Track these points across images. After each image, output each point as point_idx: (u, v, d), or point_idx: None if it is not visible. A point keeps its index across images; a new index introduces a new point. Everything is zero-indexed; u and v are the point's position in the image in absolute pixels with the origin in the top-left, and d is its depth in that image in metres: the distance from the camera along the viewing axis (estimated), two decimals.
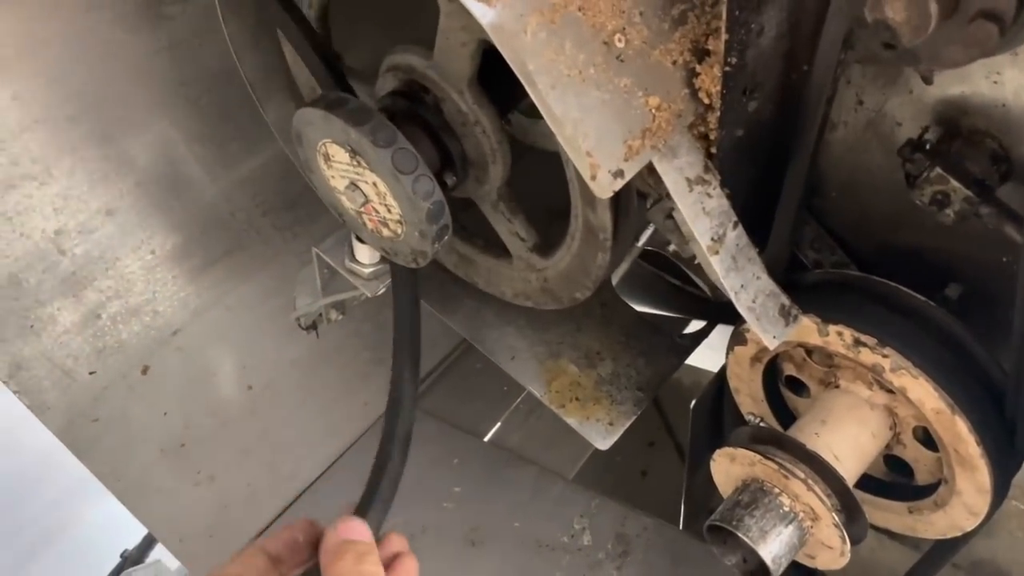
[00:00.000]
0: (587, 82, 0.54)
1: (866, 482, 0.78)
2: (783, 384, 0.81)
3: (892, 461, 0.77)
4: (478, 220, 0.78)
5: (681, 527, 1.03)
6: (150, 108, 0.95)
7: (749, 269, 0.60)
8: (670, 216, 0.67)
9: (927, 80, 0.63)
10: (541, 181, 0.75)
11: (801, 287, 0.74)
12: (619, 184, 0.55)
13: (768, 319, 0.60)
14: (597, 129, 0.54)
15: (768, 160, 0.67)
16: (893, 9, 0.45)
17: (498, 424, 1.13)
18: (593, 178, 0.54)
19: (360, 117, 0.62)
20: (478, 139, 0.67)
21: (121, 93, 0.93)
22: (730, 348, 0.79)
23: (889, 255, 0.75)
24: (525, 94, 0.71)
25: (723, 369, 0.85)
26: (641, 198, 0.69)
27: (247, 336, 1.08)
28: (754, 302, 0.60)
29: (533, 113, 0.77)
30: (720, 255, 0.59)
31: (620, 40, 0.55)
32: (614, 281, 0.91)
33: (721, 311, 0.90)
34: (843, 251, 0.77)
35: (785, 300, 0.61)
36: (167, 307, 1.02)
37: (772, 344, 0.60)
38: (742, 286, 0.59)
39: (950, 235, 0.68)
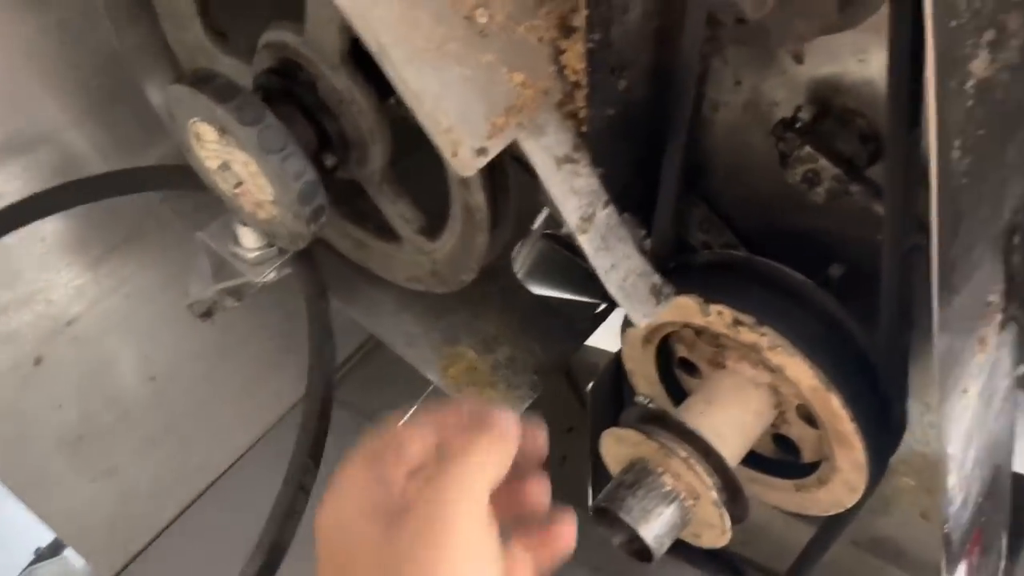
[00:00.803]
0: (447, 57, 0.53)
1: (756, 461, 0.79)
2: (676, 365, 0.82)
3: (780, 440, 0.78)
4: (371, 204, 0.77)
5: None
6: (38, 90, 0.92)
7: (620, 249, 0.60)
8: None
9: (798, 59, 0.63)
10: (431, 161, 0.74)
11: (689, 269, 0.74)
12: (481, 162, 0.54)
13: (638, 298, 0.60)
14: (458, 105, 0.53)
15: (649, 140, 0.67)
16: None
17: (411, 412, 1.11)
18: (454, 155, 0.53)
19: (226, 94, 0.60)
20: (355, 118, 0.66)
21: (6, 74, 0.90)
22: (623, 329, 0.79)
23: (775, 236, 0.76)
24: None
25: (620, 351, 0.85)
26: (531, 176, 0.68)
27: (148, 325, 1.06)
28: (624, 281, 0.60)
29: None
30: (589, 234, 0.58)
31: (482, 15, 0.54)
32: (517, 268, 0.91)
33: None
34: (732, 232, 0.78)
35: (656, 279, 0.61)
36: (61, 296, 0.99)
37: (641, 322, 0.60)
38: (612, 266, 0.59)
39: (828, 215, 0.68)
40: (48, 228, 0.96)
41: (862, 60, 0.60)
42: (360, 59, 0.65)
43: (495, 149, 0.55)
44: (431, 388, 1.18)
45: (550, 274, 1.11)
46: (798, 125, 0.63)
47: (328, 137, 0.67)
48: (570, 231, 0.59)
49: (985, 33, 0.44)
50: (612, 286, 0.59)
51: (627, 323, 0.79)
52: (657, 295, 0.61)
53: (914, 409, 0.73)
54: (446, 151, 0.53)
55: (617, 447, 0.71)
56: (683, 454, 0.67)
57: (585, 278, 1.08)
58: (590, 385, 0.90)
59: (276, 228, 0.67)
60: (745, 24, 0.49)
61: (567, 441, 1.37)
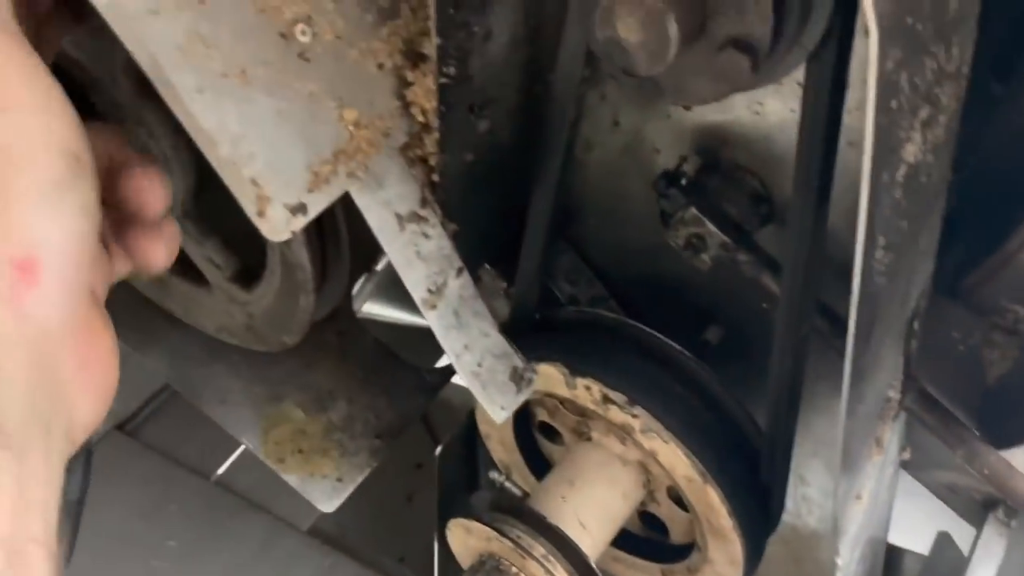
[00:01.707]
0: (254, 86, 0.40)
1: (620, 538, 0.71)
2: (536, 429, 0.72)
3: (647, 516, 0.70)
4: None
5: None
6: None
7: (475, 326, 0.49)
8: None
9: (685, 105, 0.54)
10: None
11: (552, 326, 0.64)
12: (298, 223, 0.42)
13: (496, 386, 0.50)
14: (268, 149, 0.41)
15: (513, 185, 0.56)
16: (626, 28, 0.35)
17: (230, 460, 0.97)
18: (261, 215, 0.41)
19: None
20: (144, 142, 0.52)
21: None
22: None
23: (649, 291, 0.68)
24: None
25: (473, 410, 0.75)
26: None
27: None
28: (479, 366, 0.49)
29: None
30: (438, 309, 0.47)
31: (303, 32, 0.42)
32: (357, 308, 0.78)
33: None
34: (602, 284, 0.69)
35: (518, 361, 0.51)
36: None
37: (500, 417, 0.50)
38: (465, 347, 0.49)
39: (709, 276, 0.61)
40: None
41: (757, 112, 0.52)
42: None
43: (317, 207, 0.43)
44: None
45: (396, 295, 0.99)
46: (683, 181, 0.54)
47: None
48: (415, 304, 0.47)
49: (920, 111, 0.36)
50: (465, 372, 0.49)
51: None
52: (518, 381, 0.51)
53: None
54: (250, 209, 0.41)
55: (467, 538, 0.61)
56: (540, 552, 0.58)
57: None
58: (438, 450, 0.79)
59: None
60: (629, 73, 0.39)
61: (415, 478, 1.26)
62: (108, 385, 0.37)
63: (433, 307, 0.47)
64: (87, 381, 0.35)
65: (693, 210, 0.53)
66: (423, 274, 0.47)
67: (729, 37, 0.35)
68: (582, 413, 0.66)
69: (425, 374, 0.77)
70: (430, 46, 0.45)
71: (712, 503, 0.58)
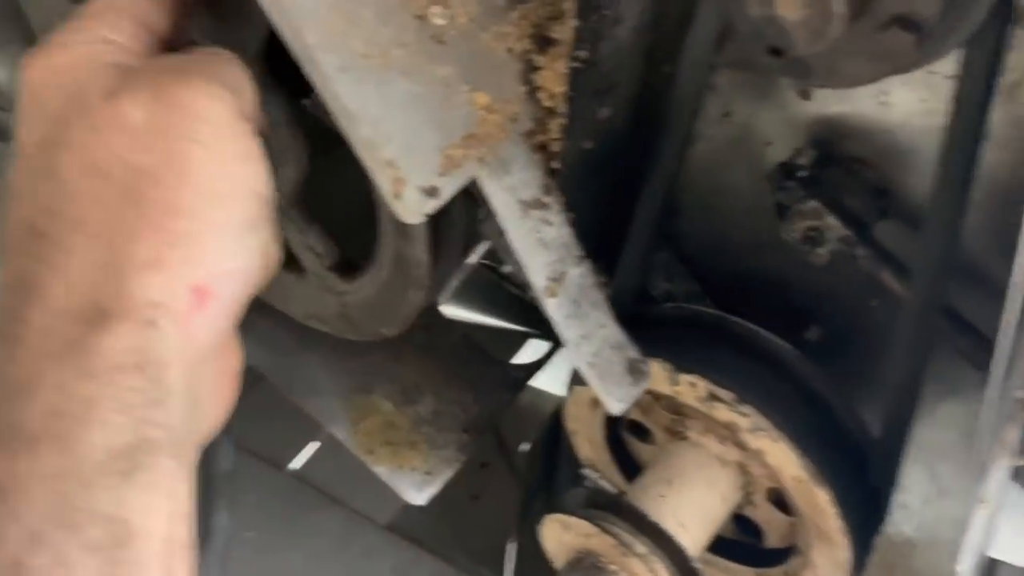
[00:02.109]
0: (392, 68, 0.40)
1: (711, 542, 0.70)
2: (625, 428, 0.71)
3: (741, 519, 0.68)
4: None
5: None
6: None
7: (593, 316, 0.48)
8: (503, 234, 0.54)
9: (804, 95, 0.53)
10: (354, 176, 0.61)
11: (648, 322, 0.63)
12: (432, 206, 0.42)
13: (612, 378, 0.49)
14: (404, 131, 0.41)
15: (620, 175, 0.56)
16: (787, 5, 0.34)
17: (304, 453, 0.97)
18: (397, 196, 0.40)
19: None
20: (263, 130, 0.52)
21: None
22: (569, 387, 0.68)
23: (747, 288, 0.66)
24: None
25: (560, 406, 0.74)
26: (472, 203, 0.56)
27: None
28: (596, 356, 0.48)
29: None
30: (559, 298, 0.47)
31: (439, 16, 0.42)
32: (439, 302, 0.78)
33: None
34: (697, 281, 0.68)
35: (633, 353, 0.50)
36: None
37: (617, 410, 0.49)
38: (583, 337, 0.48)
39: (817, 272, 0.59)
40: None
41: (883, 103, 0.51)
42: (273, 57, 0.51)
43: (449, 190, 0.42)
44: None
45: (473, 297, 0.99)
46: (801, 174, 0.53)
47: None
48: (534, 293, 0.47)
49: None
50: (582, 362, 0.48)
51: (575, 378, 0.68)
52: (634, 373, 0.50)
53: None
54: (387, 190, 0.40)
55: (564, 535, 0.60)
56: (642, 550, 0.57)
57: (510, 304, 0.98)
58: (522, 446, 0.78)
59: None
60: (778, 56, 0.38)
61: (481, 478, 1.26)
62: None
63: (553, 295, 0.47)
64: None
65: (814, 202, 0.51)
66: (544, 262, 0.47)
67: (894, 15, 0.34)
68: (678, 411, 0.65)
69: (510, 369, 0.76)
70: (560, 30, 0.44)
71: (821, 505, 0.56)
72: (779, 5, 0.34)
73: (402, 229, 0.50)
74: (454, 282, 0.82)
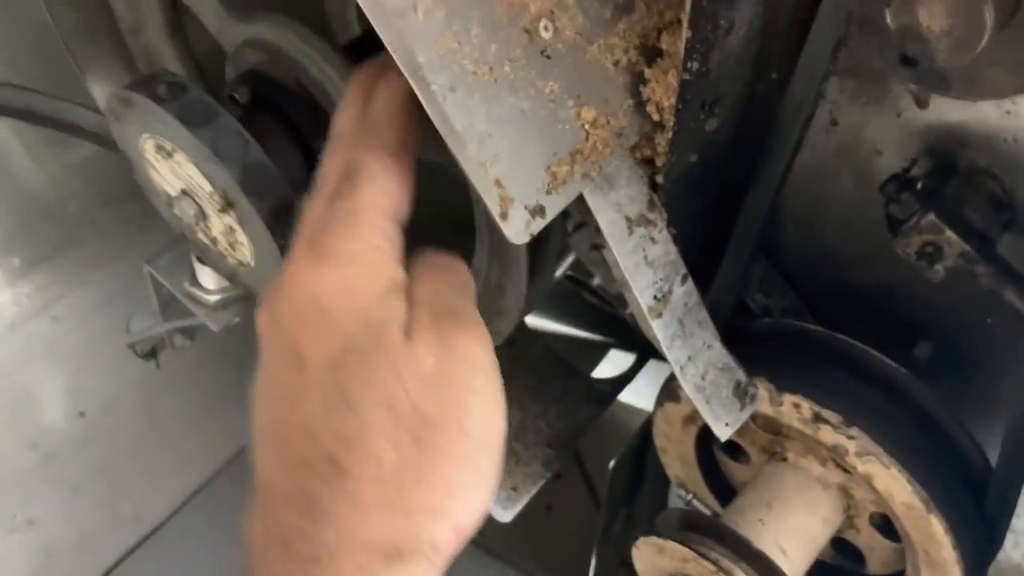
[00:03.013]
0: (500, 84, 0.39)
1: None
2: (718, 447, 0.69)
3: (840, 544, 0.66)
4: None
5: None
6: None
7: (699, 336, 0.46)
8: (597, 247, 0.53)
9: (921, 103, 0.50)
10: (436, 187, 0.60)
11: (747, 338, 0.61)
12: (538, 226, 0.40)
13: (720, 401, 0.47)
14: (512, 149, 0.39)
15: (719, 186, 0.54)
16: (931, 14, 0.32)
17: None
18: (504, 217, 0.39)
19: (197, 113, 0.46)
20: None
21: None
22: (659, 403, 0.66)
23: (850, 303, 0.63)
24: None
25: (648, 422, 0.72)
26: (561, 217, 0.55)
27: (79, 353, 0.90)
28: (703, 379, 0.47)
29: None
30: (664, 318, 0.45)
31: (547, 28, 0.40)
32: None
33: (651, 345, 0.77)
34: (796, 294, 0.65)
35: (741, 376, 0.48)
36: None
37: (724, 434, 0.47)
38: (689, 358, 0.46)
39: (929, 287, 0.56)
40: None
41: (1008, 112, 0.48)
42: (363, 54, 0.50)
43: (555, 208, 0.41)
44: None
45: (553, 306, 0.98)
46: (919, 185, 0.50)
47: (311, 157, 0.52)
48: (639, 313, 0.45)
49: None
50: (689, 385, 0.46)
51: (665, 395, 0.66)
52: (741, 397, 0.48)
53: None
54: (494, 210, 0.39)
55: (657, 558, 0.59)
56: None
57: (590, 311, 0.96)
58: (612, 462, 0.77)
59: (249, 277, 0.53)
60: (913, 66, 0.36)
61: (554, 488, 1.24)
62: None
63: (659, 315, 0.45)
64: None
65: (932, 216, 0.49)
66: (650, 280, 0.45)
67: None
68: (777, 431, 0.63)
69: (596, 383, 0.75)
70: (668, 41, 0.43)
71: (934, 533, 0.54)
72: (923, 15, 0.32)
73: (499, 260, 0.49)
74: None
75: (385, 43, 0.36)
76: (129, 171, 0.90)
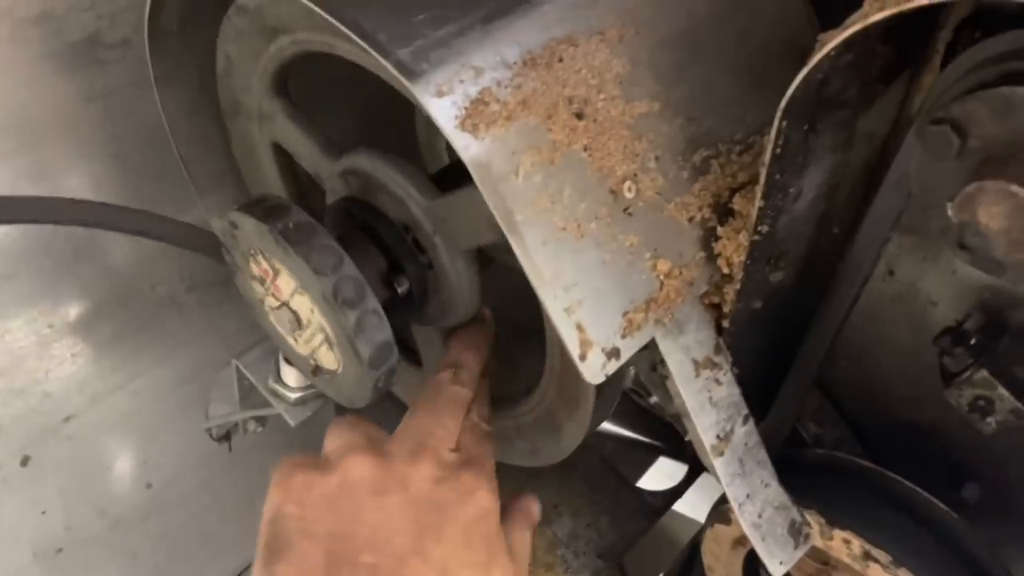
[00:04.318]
0: (586, 238, 0.43)
1: None
2: (764, 568, 0.70)
3: None
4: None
5: None
6: (71, 161, 0.83)
7: (757, 475, 0.49)
8: (656, 369, 0.56)
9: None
10: (507, 294, 0.64)
11: (799, 467, 0.63)
12: (613, 367, 0.44)
13: (775, 539, 0.49)
14: (593, 297, 0.43)
15: (780, 329, 0.57)
16: (989, 215, 0.35)
17: None
18: (583, 358, 0.43)
19: (300, 235, 0.50)
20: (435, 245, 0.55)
21: (39, 141, 0.80)
22: (710, 524, 0.68)
23: (900, 439, 0.65)
24: None
25: (696, 538, 0.74)
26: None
27: (151, 427, 0.94)
28: (760, 516, 0.49)
29: None
30: (725, 456, 0.48)
31: (630, 189, 0.45)
32: None
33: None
34: (848, 427, 0.67)
35: (796, 515, 0.50)
36: (60, 389, 0.87)
37: (779, 572, 0.49)
38: (747, 496, 0.49)
39: (979, 433, 0.58)
40: (58, 313, 0.85)
41: None
42: (450, 184, 0.55)
43: (629, 351, 0.45)
44: None
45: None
46: (972, 341, 0.53)
47: (399, 269, 0.56)
48: (701, 450, 0.48)
49: None
50: (746, 522, 0.49)
51: (716, 516, 0.68)
52: (796, 536, 0.50)
53: None
54: (574, 352, 0.43)
55: None
56: None
57: (642, 419, 0.98)
58: None
59: (333, 383, 0.57)
60: (967, 250, 0.39)
61: None
62: None
63: (720, 454, 0.48)
64: None
65: (984, 373, 0.51)
66: (713, 420, 0.48)
67: None
68: (825, 561, 0.64)
69: (647, 496, 0.77)
70: (743, 202, 0.47)
71: None
72: (982, 214, 0.35)
73: (565, 398, 0.53)
74: None
75: (488, 202, 0.41)
76: (214, 263, 0.96)
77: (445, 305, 0.56)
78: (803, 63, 0.37)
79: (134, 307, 0.92)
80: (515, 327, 0.66)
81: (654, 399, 0.74)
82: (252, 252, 0.55)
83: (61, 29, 0.78)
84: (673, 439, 0.93)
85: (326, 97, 0.71)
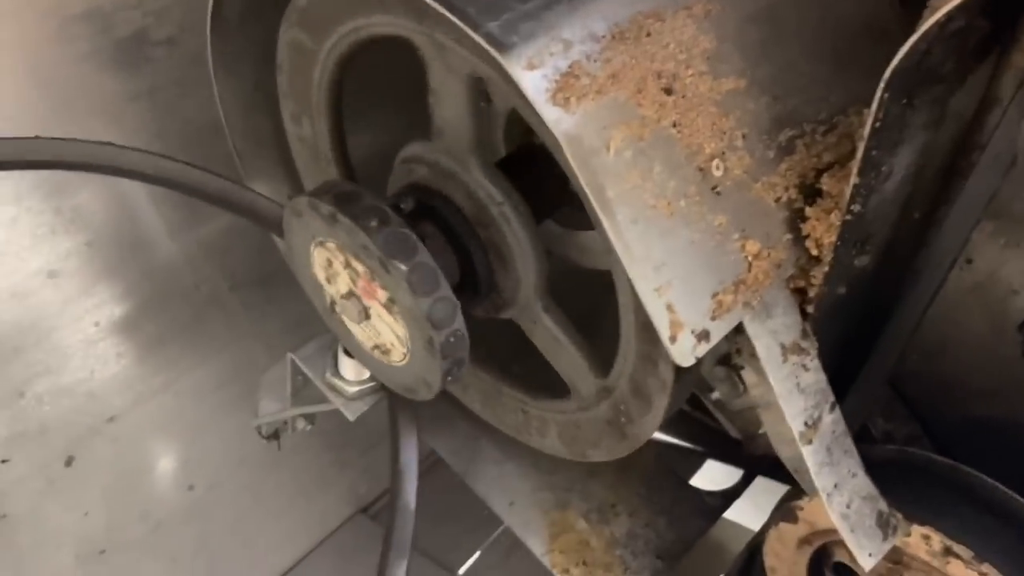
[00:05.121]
0: (676, 217, 0.42)
1: None
2: (830, 569, 0.68)
3: None
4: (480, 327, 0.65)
5: None
6: None
7: (845, 464, 0.48)
8: (728, 360, 0.54)
9: None
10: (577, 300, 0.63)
11: (870, 463, 0.62)
12: (703, 350, 0.43)
13: (864, 531, 0.48)
14: (683, 277, 0.42)
15: (857, 317, 0.55)
16: None
17: (474, 557, 0.98)
18: (673, 340, 0.42)
19: (372, 220, 0.49)
20: (500, 228, 0.54)
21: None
22: (773, 522, 0.67)
23: (973, 434, 0.64)
24: (565, 198, 0.59)
25: (755, 540, 0.72)
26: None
27: (194, 428, 0.93)
28: (848, 507, 0.47)
29: (568, 222, 0.65)
30: (814, 445, 0.46)
31: (718, 167, 0.43)
32: None
33: (759, 462, 0.78)
34: (918, 422, 0.66)
35: (883, 505, 0.49)
36: (105, 389, 0.87)
37: (869, 564, 0.48)
38: (835, 486, 0.47)
39: None
40: (103, 312, 0.85)
41: None
42: (513, 171, 0.54)
43: (718, 334, 0.43)
44: (501, 528, 1.05)
45: None
46: None
47: (470, 261, 0.55)
48: (781, 437, 0.47)
49: None
50: (835, 513, 0.47)
51: (780, 517, 0.66)
52: (885, 527, 0.48)
53: None
54: (664, 333, 0.42)
55: None
56: None
57: (694, 428, 0.96)
58: None
59: (397, 374, 0.56)
60: None
61: None
62: None
63: (809, 442, 0.46)
64: None
65: None
66: (801, 407, 0.46)
67: None
68: (897, 560, 0.62)
69: (706, 496, 0.75)
70: (829, 183, 0.46)
71: None
72: None
73: (638, 392, 0.51)
74: None
75: (576, 175, 0.40)
76: (258, 258, 0.95)
77: (513, 282, 0.55)
78: (885, 44, 0.36)
79: (178, 306, 0.91)
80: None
81: (715, 395, 0.73)
82: (318, 239, 0.54)
83: (108, 26, 0.77)
84: (717, 444, 0.91)
85: (384, 93, 0.70)
